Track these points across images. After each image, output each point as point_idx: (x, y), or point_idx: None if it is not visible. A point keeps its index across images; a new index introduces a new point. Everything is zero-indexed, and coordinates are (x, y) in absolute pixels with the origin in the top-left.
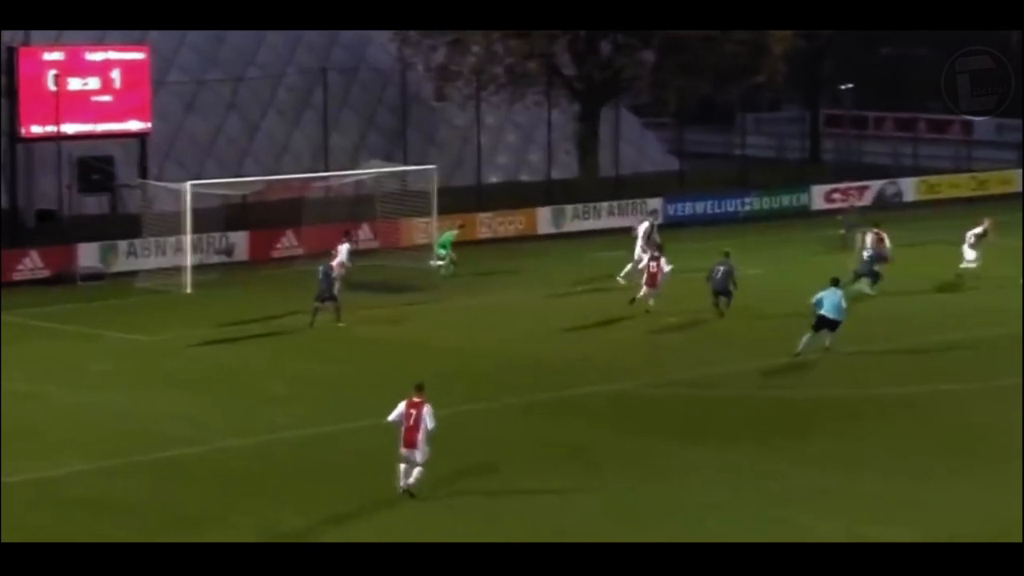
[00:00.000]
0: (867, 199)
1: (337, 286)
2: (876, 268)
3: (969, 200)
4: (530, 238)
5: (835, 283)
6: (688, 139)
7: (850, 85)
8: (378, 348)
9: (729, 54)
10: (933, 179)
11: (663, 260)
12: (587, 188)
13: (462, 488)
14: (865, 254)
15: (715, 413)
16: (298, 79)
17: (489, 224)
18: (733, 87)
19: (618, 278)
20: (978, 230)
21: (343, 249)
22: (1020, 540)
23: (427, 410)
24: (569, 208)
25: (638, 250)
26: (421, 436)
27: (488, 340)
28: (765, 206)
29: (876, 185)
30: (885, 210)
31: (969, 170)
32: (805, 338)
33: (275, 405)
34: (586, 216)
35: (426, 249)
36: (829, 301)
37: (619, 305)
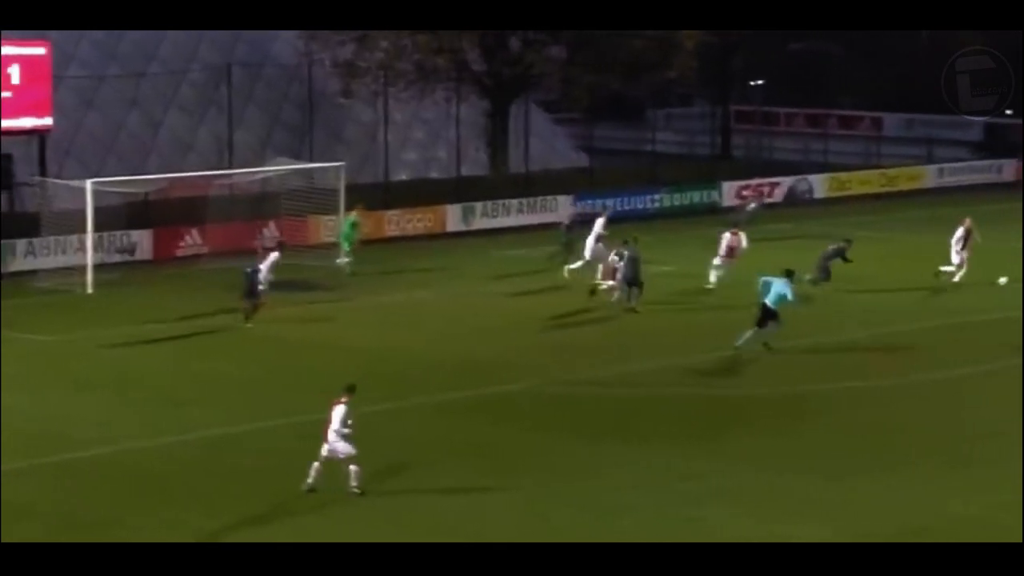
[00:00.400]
0: (778, 196)
1: (261, 289)
2: (827, 267)
3: (878, 196)
4: (439, 236)
5: (788, 275)
6: (598, 135)
7: (760, 81)
8: (286, 348)
9: (639, 50)
10: (843, 175)
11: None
12: (496, 185)
13: (373, 488)
14: (717, 259)
15: (630, 411)
16: (201, 75)
17: (397, 222)
18: (643, 83)
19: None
20: (960, 232)
21: (273, 257)
22: (932, 540)
23: (337, 410)
24: (478, 205)
25: (590, 246)
26: (330, 434)
27: (398, 339)
28: (675, 203)
29: (787, 181)
30: (796, 206)
31: (878, 166)
32: (747, 334)
33: (182, 406)
34: (495, 213)
35: (333, 247)
36: (774, 291)
37: (531, 303)
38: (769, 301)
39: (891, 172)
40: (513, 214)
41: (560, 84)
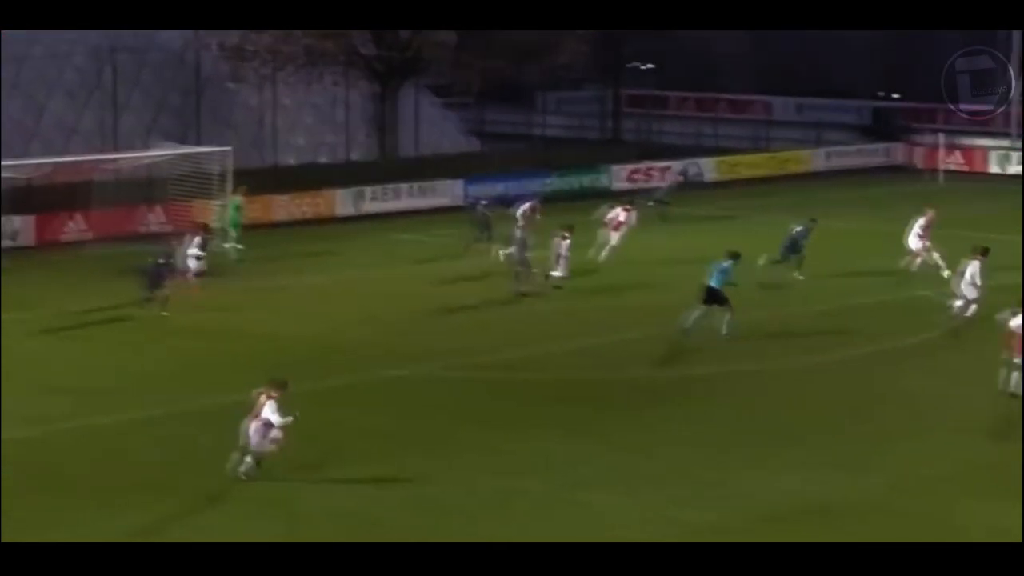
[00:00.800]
0: (669, 179)
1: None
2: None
3: (767, 179)
4: (328, 220)
5: (733, 256)
6: (489, 119)
7: (651, 65)
8: (172, 335)
9: (529, 35)
10: (732, 159)
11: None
12: (386, 169)
13: (266, 476)
14: (613, 236)
15: (524, 396)
16: (85, 59)
17: (286, 207)
18: (534, 67)
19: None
20: (923, 220)
21: (197, 240)
22: (820, 524)
23: (268, 405)
24: (368, 190)
25: (519, 231)
26: (252, 426)
27: (287, 324)
28: (565, 186)
29: (677, 165)
30: (686, 189)
31: (768, 150)
32: (694, 314)
33: (67, 394)
34: (385, 198)
35: (219, 232)
36: (715, 272)
37: (422, 287)
38: (712, 282)
39: (780, 155)
40: (403, 198)
41: (450, 68)
